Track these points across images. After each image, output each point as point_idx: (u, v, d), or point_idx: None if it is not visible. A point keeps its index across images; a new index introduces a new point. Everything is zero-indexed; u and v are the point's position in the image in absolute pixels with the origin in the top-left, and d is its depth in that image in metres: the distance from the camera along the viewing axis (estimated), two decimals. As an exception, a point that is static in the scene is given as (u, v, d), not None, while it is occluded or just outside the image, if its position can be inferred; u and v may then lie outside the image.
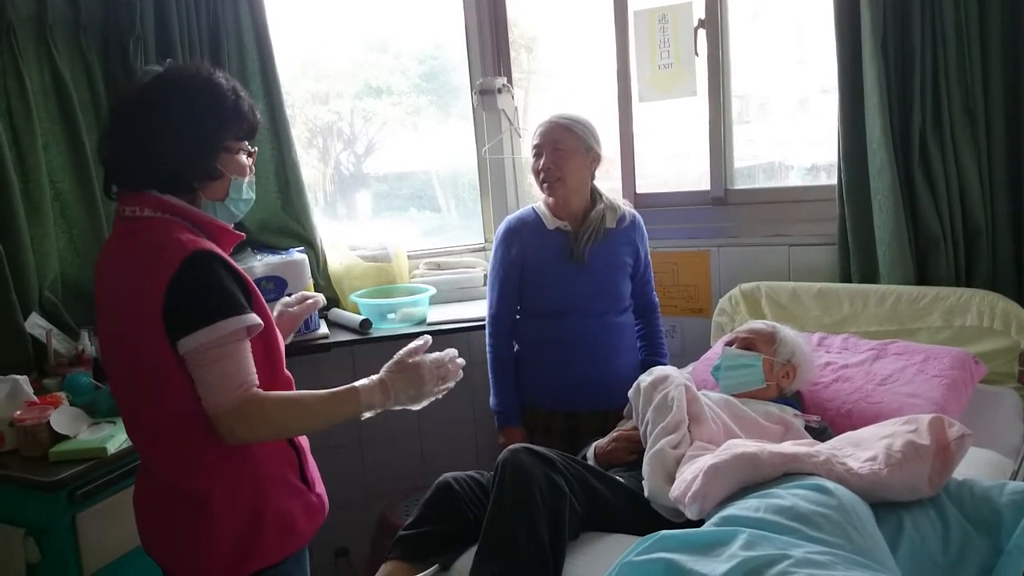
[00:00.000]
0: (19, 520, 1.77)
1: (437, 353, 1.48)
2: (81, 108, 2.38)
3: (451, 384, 1.48)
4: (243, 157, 1.43)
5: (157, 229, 1.33)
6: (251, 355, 1.32)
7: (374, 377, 1.42)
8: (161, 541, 1.44)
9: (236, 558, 1.37)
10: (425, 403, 1.46)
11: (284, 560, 1.42)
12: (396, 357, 1.45)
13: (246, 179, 1.44)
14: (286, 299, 1.71)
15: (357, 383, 1.40)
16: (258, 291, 1.40)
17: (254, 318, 1.32)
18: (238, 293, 1.32)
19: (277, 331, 1.46)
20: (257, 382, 1.31)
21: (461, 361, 1.50)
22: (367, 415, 1.40)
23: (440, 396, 1.47)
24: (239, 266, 1.40)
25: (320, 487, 1.52)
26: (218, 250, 1.35)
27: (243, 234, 1.48)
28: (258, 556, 1.38)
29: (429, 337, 1.50)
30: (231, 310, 1.29)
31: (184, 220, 1.36)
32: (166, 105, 1.34)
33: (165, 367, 1.29)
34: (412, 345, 1.47)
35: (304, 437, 1.52)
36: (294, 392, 1.40)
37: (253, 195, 1.48)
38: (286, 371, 1.47)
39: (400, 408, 1.44)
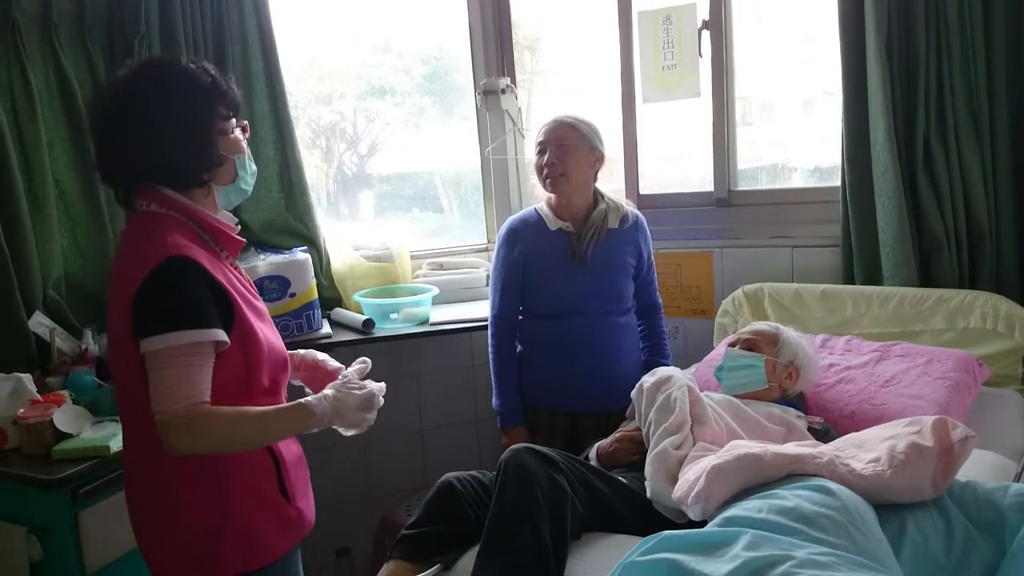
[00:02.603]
0: (22, 518, 1.77)
1: (379, 384, 1.47)
2: (86, 107, 2.37)
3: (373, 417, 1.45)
4: (237, 133, 1.44)
5: (152, 227, 1.32)
6: (210, 372, 1.28)
7: (324, 392, 1.39)
8: (140, 539, 1.43)
9: (197, 564, 1.35)
10: (355, 431, 1.44)
11: (250, 573, 1.38)
12: (345, 377, 1.44)
13: (245, 154, 1.45)
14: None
15: (305, 399, 1.37)
16: (240, 305, 1.35)
17: (218, 334, 1.28)
18: (209, 306, 1.28)
19: (264, 342, 1.39)
20: (208, 399, 1.26)
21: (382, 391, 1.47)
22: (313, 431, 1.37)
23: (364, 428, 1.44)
24: (234, 274, 1.39)
25: (304, 500, 1.47)
26: (200, 258, 1.31)
27: (244, 240, 1.47)
28: (219, 567, 1.35)
29: (369, 360, 1.50)
30: (193, 322, 1.25)
31: (188, 220, 1.36)
32: (152, 108, 1.32)
33: (138, 366, 1.28)
34: (358, 367, 1.47)
35: (294, 445, 1.48)
36: (242, 408, 1.32)
37: (254, 165, 1.49)
38: (265, 382, 1.40)
39: (332, 428, 1.41)
